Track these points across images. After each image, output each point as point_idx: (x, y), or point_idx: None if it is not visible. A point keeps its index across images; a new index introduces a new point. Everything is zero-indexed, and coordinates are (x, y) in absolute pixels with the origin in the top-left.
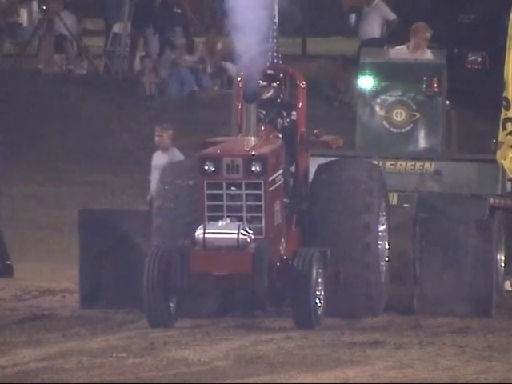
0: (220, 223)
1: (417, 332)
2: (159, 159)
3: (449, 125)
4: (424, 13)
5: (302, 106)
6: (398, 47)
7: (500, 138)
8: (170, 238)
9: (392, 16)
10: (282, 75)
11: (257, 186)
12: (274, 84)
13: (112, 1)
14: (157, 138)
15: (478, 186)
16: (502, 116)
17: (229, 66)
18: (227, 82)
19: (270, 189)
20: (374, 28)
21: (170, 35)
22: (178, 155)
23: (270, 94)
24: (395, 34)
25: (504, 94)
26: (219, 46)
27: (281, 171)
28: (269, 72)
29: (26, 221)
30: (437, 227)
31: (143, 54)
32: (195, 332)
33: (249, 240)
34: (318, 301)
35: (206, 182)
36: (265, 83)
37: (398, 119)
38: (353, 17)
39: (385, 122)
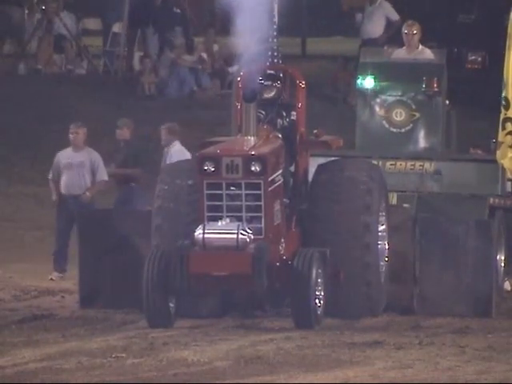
0: (219, 223)
1: (417, 332)
2: (73, 157)
3: (449, 125)
4: (424, 13)
5: (302, 106)
6: (396, 50)
7: (499, 138)
8: (170, 238)
9: (396, 16)
10: (281, 75)
11: (256, 186)
12: (277, 84)
13: (111, 1)
14: (72, 136)
15: (478, 185)
16: (502, 116)
17: (233, 69)
18: (227, 84)
19: (270, 189)
20: (376, 27)
21: (169, 35)
22: (95, 155)
23: (272, 93)
24: (396, 35)
25: (504, 94)
26: (216, 47)
27: (280, 171)
28: (271, 72)
29: (25, 221)
30: (437, 227)
31: (141, 53)
32: (195, 332)
33: (248, 240)
34: (317, 301)
35: (205, 181)
36: (269, 82)
37: (398, 119)
38: (356, 16)
39: (384, 122)
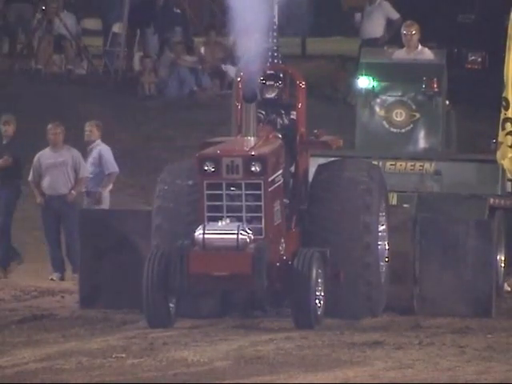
0: (220, 223)
1: (417, 332)
2: (56, 157)
3: (449, 125)
4: (424, 13)
5: (302, 106)
6: (396, 51)
7: (499, 138)
8: (170, 238)
9: (396, 15)
10: (281, 75)
11: (256, 186)
12: (278, 84)
13: (111, 1)
14: (52, 136)
15: (478, 185)
16: (502, 116)
17: (229, 68)
18: (227, 84)
19: (270, 189)
20: (376, 27)
21: (169, 35)
22: (76, 152)
23: (274, 94)
24: (397, 35)
25: (503, 94)
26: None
27: (281, 171)
28: (273, 72)
29: (25, 221)
30: (437, 227)
31: (141, 53)
32: (194, 332)
33: (248, 240)
34: (317, 301)
35: (205, 182)
36: (271, 82)
37: (398, 119)
38: (356, 16)
39: (384, 122)
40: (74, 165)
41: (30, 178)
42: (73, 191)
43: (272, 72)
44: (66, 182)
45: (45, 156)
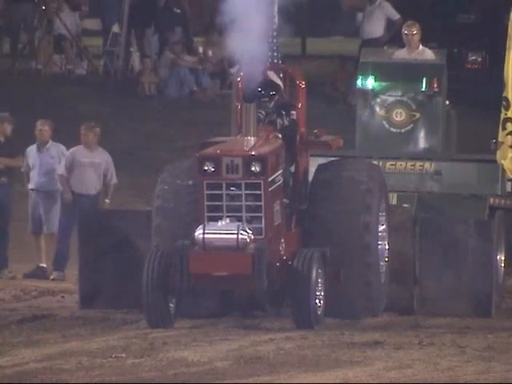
0: (220, 223)
1: (416, 332)
2: (92, 157)
3: (449, 125)
4: (424, 13)
5: (302, 106)
6: (397, 51)
7: (500, 138)
8: (170, 238)
9: (396, 15)
10: (278, 82)
11: (256, 186)
12: (273, 94)
13: (111, 1)
14: (89, 136)
15: (478, 185)
16: (502, 116)
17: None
18: (227, 84)
19: (270, 189)
20: (376, 27)
21: (169, 35)
22: (108, 156)
23: (271, 105)
24: (397, 35)
25: (504, 94)
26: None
27: (280, 171)
28: (267, 81)
29: (25, 221)
30: (437, 227)
31: (141, 53)
32: (195, 332)
33: (248, 240)
34: (317, 301)
35: (205, 182)
36: (266, 99)
37: (398, 119)
38: (357, 16)
39: (385, 122)
40: (106, 169)
41: (62, 172)
42: (107, 200)
43: (267, 80)
44: (97, 183)
45: (81, 153)
